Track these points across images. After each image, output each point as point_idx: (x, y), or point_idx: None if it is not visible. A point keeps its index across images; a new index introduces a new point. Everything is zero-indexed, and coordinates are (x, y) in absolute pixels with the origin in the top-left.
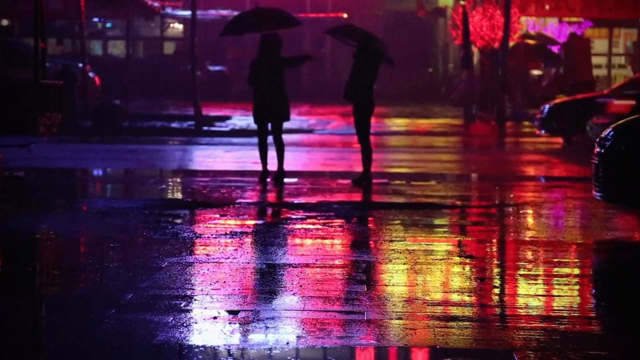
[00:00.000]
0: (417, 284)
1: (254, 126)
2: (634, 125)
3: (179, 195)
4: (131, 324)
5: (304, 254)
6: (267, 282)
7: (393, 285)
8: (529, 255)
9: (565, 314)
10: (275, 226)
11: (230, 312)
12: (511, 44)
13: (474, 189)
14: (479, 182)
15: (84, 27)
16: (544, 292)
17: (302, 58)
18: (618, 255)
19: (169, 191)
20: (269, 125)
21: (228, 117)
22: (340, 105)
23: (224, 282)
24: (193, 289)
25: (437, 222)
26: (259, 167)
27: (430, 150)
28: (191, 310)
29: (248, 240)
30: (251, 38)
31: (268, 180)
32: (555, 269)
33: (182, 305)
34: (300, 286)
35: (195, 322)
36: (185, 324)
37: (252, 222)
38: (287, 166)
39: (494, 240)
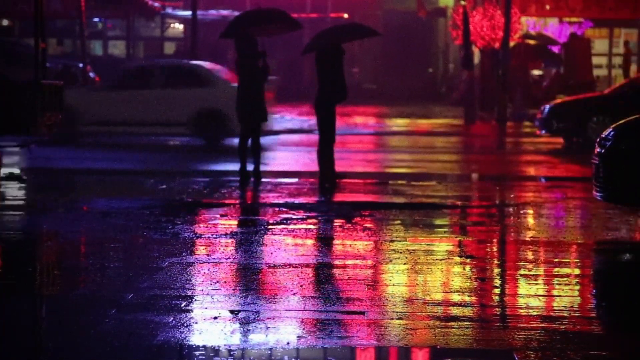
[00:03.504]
0: (417, 284)
1: None
2: (634, 125)
3: (179, 196)
4: (131, 324)
5: (304, 254)
6: (267, 282)
7: (393, 285)
8: (530, 255)
9: (565, 314)
10: (276, 226)
11: (230, 312)
12: (512, 44)
13: (475, 189)
14: (479, 182)
15: (85, 27)
16: (544, 292)
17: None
18: (618, 255)
19: (169, 191)
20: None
21: None
22: (340, 106)
23: (224, 282)
24: (193, 289)
25: (437, 222)
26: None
27: (431, 150)
28: (192, 310)
29: (248, 240)
30: None
31: (251, 180)
32: (556, 269)
33: (182, 305)
34: (301, 286)
35: (196, 322)
36: (185, 324)
37: (252, 222)
38: (289, 166)
39: (495, 241)
